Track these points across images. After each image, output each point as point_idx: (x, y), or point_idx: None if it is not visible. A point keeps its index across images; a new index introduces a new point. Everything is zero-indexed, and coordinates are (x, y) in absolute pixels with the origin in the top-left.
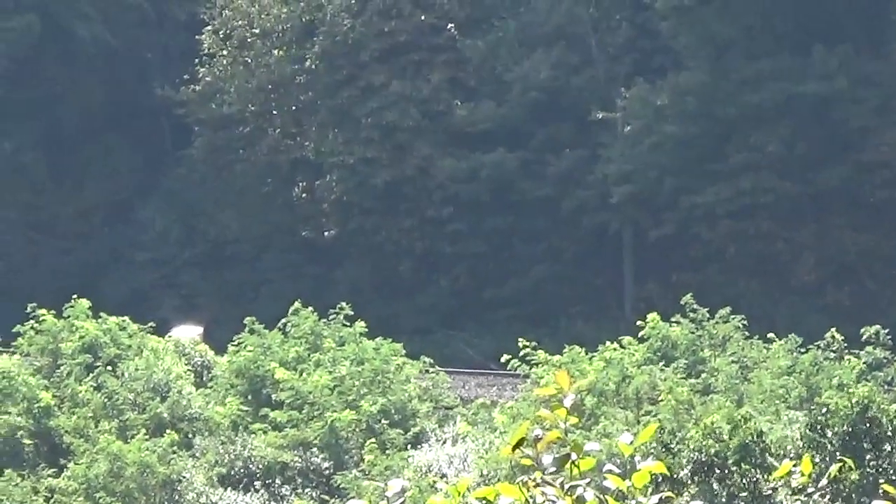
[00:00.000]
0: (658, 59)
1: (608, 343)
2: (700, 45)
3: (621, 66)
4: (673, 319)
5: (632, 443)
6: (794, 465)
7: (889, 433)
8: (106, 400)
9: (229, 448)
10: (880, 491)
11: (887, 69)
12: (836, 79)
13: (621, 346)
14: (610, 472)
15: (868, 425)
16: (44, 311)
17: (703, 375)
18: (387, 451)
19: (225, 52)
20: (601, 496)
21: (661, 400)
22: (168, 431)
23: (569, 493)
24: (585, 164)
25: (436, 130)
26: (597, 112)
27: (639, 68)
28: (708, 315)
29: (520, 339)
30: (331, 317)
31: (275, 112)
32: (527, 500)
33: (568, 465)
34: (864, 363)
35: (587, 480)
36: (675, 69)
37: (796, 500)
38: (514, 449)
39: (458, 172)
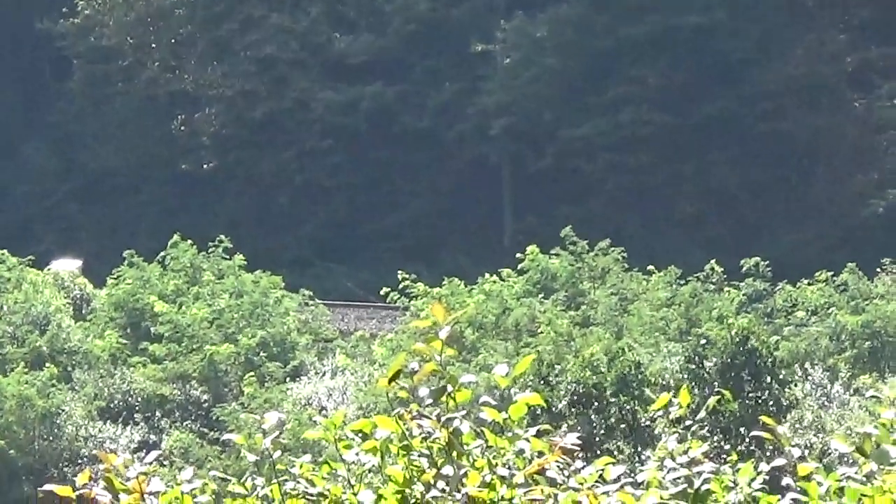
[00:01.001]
0: None
1: (488, 275)
2: None
3: None
4: (552, 252)
5: (508, 374)
6: (673, 397)
7: (768, 364)
8: None
9: (108, 381)
10: (759, 422)
11: (767, 1)
12: (716, 10)
13: (501, 279)
14: (486, 404)
15: (747, 357)
16: None
17: (583, 308)
18: (266, 384)
19: None
20: (477, 428)
21: (541, 332)
22: (47, 365)
23: (445, 426)
24: (465, 97)
25: (315, 63)
26: (476, 44)
27: (518, 1)
28: (587, 247)
29: (399, 272)
30: (210, 250)
31: (154, 45)
32: (403, 432)
33: (444, 398)
34: (743, 295)
35: (463, 412)
36: (554, 2)
37: (674, 431)
38: (390, 382)
39: (338, 105)
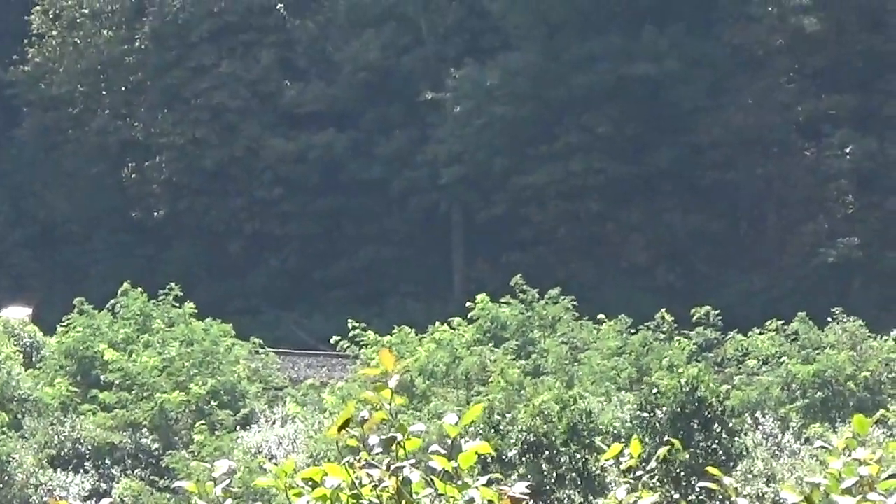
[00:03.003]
0: (488, 40)
1: (438, 324)
2: (530, 26)
3: (451, 47)
4: (503, 300)
5: (458, 423)
6: (624, 447)
7: (719, 413)
8: None
9: (59, 429)
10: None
11: (718, 50)
12: (667, 60)
13: (451, 327)
14: (436, 452)
15: (697, 406)
16: None
17: (533, 356)
18: (216, 432)
19: (55, 33)
20: (427, 477)
21: (491, 381)
22: None
23: (394, 474)
24: (415, 145)
25: (265, 111)
26: (426, 93)
27: (469, 49)
28: (538, 296)
29: (350, 320)
30: (160, 298)
31: (104, 93)
32: (353, 481)
33: (394, 446)
34: (694, 344)
35: (413, 461)
36: (505, 50)
37: (625, 481)
38: (340, 430)
39: (288, 153)
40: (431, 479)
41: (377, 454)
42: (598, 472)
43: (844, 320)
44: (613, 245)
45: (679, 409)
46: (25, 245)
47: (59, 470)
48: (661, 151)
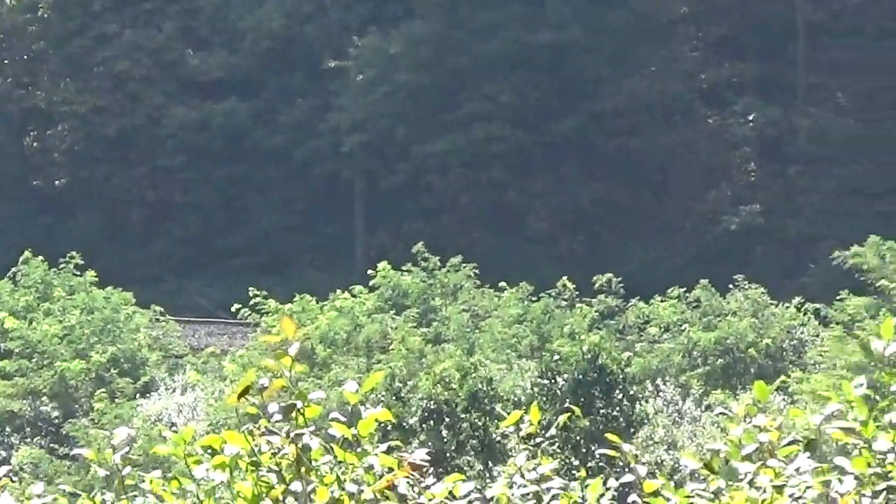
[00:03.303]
0: (391, 8)
1: (339, 292)
2: None
3: (354, 15)
4: (404, 268)
5: (358, 390)
6: (524, 414)
7: (619, 381)
8: None
9: None
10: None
11: (621, 18)
12: (570, 28)
13: (352, 295)
14: (336, 420)
15: (598, 373)
16: None
17: (435, 324)
18: (116, 400)
19: None
20: (327, 444)
21: (392, 348)
22: None
23: (294, 442)
24: (317, 113)
25: (168, 79)
26: (329, 61)
27: (372, 17)
28: (439, 264)
29: (251, 288)
30: (61, 266)
31: (6, 61)
32: (252, 448)
33: (294, 414)
34: (596, 311)
35: (313, 428)
36: (408, 18)
37: (525, 448)
38: (239, 398)
39: (190, 121)
40: (331, 447)
41: (277, 422)
42: (498, 438)
43: (746, 287)
44: (515, 213)
45: (580, 377)
46: None
47: None
48: (564, 119)
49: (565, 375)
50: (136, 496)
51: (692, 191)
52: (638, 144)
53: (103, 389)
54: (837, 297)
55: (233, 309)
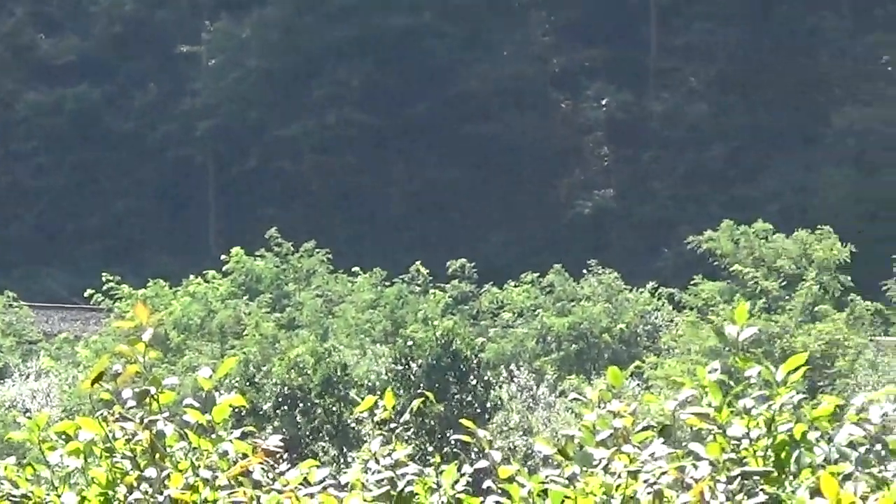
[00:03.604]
0: None
1: (192, 277)
2: None
3: (206, 0)
4: (257, 253)
5: (211, 376)
6: (378, 399)
7: (473, 366)
8: None
9: None
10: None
11: (473, 2)
12: (423, 11)
13: (206, 280)
14: (190, 406)
15: (452, 358)
16: None
17: (288, 309)
18: None
19: None
20: (181, 430)
21: (246, 334)
22: None
23: (148, 428)
24: (170, 98)
25: (20, 64)
26: (181, 45)
27: (223, 2)
28: (292, 249)
29: (104, 273)
30: None
31: None
32: (106, 434)
33: (148, 400)
34: (449, 296)
35: (167, 414)
36: (259, 3)
37: (379, 433)
38: (93, 384)
39: (42, 106)
40: (185, 433)
41: (131, 408)
42: (352, 424)
43: (600, 272)
44: (368, 198)
45: (433, 362)
46: None
47: None
48: (416, 104)
49: (419, 361)
50: None
51: (545, 175)
52: (491, 129)
53: None
54: (691, 282)
55: (86, 294)
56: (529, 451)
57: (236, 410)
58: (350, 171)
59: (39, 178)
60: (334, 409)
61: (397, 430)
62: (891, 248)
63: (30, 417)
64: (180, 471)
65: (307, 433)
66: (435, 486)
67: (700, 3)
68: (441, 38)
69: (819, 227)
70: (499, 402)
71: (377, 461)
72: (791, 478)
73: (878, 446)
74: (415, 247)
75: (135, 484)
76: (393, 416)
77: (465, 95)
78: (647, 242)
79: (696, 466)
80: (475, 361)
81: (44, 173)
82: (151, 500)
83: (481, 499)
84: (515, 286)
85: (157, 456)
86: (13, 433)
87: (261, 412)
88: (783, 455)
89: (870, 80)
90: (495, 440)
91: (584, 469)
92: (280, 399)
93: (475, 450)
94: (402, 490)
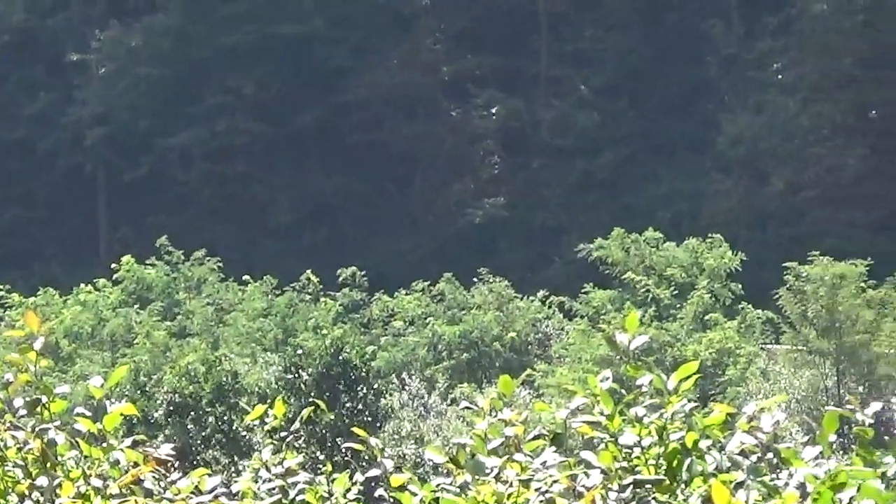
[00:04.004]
0: (132, 1)
1: (83, 285)
2: None
3: (96, 9)
4: (148, 262)
5: (103, 385)
6: (268, 408)
7: (363, 374)
8: None
9: None
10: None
11: (363, 10)
12: (313, 19)
13: (96, 289)
14: (81, 414)
15: (342, 367)
16: None
17: (179, 318)
18: None
19: None
20: (72, 439)
21: (137, 342)
22: None
23: (39, 436)
24: (60, 107)
25: None
26: (71, 54)
27: (113, 10)
28: (183, 257)
29: None
30: None
31: None
32: None
33: (39, 409)
34: (340, 305)
35: (58, 423)
36: (149, 11)
37: (270, 442)
38: None
39: None
40: (77, 442)
41: (22, 416)
42: (243, 432)
43: (491, 281)
44: (259, 206)
45: (324, 371)
46: None
47: None
48: (306, 112)
49: (309, 369)
50: None
51: (436, 183)
52: (381, 137)
53: None
54: (582, 290)
55: None
56: (421, 460)
57: (127, 419)
58: (240, 179)
59: None
60: (225, 417)
61: (288, 439)
62: (781, 255)
63: None
64: (72, 480)
65: (198, 441)
66: (326, 495)
67: (590, 10)
68: (331, 46)
69: (710, 235)
70: (390, 411)
71: (268, 470)
72: (683, 486)
73: (770, 455)
74: (305, 255)
75: (26, 493)
76: (284, 425)
77: (356, 103)
78: (537, 251)
79: (587, 475)
80: (365, 370)
81: None
82: None
83: None
84: (406, 294)
85: (49, 465)
86: None
87: (152, 421)
88: (675, 463)
89: (760, 87)
90: (387, 448)
91: (476, 477)
92: (171, 407)
93: (366, 458)
94: (294, 499)
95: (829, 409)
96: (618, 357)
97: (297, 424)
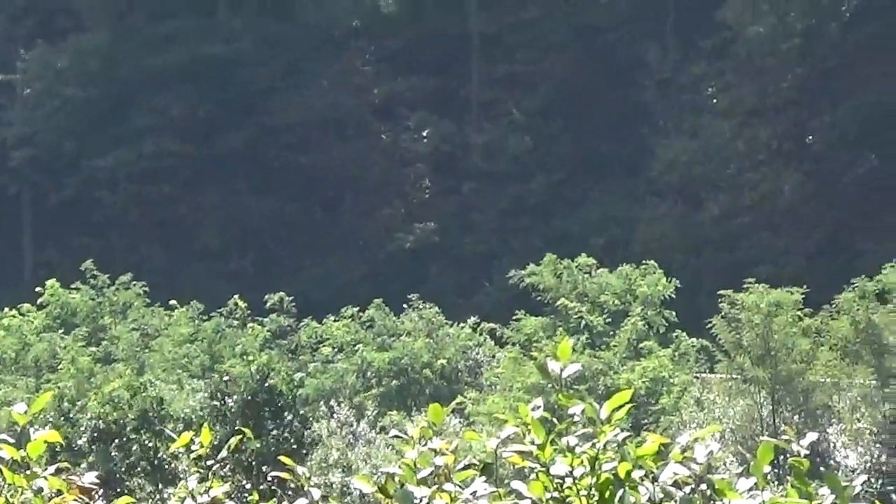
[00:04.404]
0: (60, 20)
1: (7, 310)
2: (102, 6)
3: (21, 28)
4: (73, 286)
5: (26, 411)
6: (194, 435)
7: (289, 402)
8: None
9: None
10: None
11: (292, 31)
12: (242, 40)
13: (21, 313)
14: (3, 441)
15: (269, 394)
16: None
17: (104, 343)
18: None
19: None
20: None
21: (62, 368)
22: None
23: None
24: None
25: None
26: None
27: (39, 30)
28: (109, 281)
29: None
30: None
31: None
32: None
33: None
34: (268, 331)
35: None
36: (77, 30)
37: (196, 470)
38: None
39: None
40: None
41: None
42: (169, 460)
43: (421, 307)
44: (186, 229)
45: (249, 398)
46: None
47: None
48: (234, 133)
49: (235, 396)
50: None
51: (365, 207)
52: (310, 159)
53: None
54: (514, 317)
55: None
56: (348, 489)
57: (51, 446)
58: (167, 201)
59: None
60: (150, 444)
61: (214, 467)
62: (716, 282)
63: None
64: None
65: (123, 469)
66: None
67: (522, 32)
68: (260, 68)
69: (644, 261)
70: (317, 439)
71: (194, 498)
72: None
73: (703, 486)
74: (233, 279)
75: None
76: (210, 453)
77: (285, 125)
78: (468, 276)
79: None
80: (292, 397)
81: None
82: None
83: None
84: (335, 320)
85: None
86: None
87: (76, 448)
88: (607, 494)
89: (695, 111)
90: (314, 477)
91: None
92: (95, 434)
93: (293, 487)
94: None
95: (764, 440)
96: (550, 385)
97: (224, 452)
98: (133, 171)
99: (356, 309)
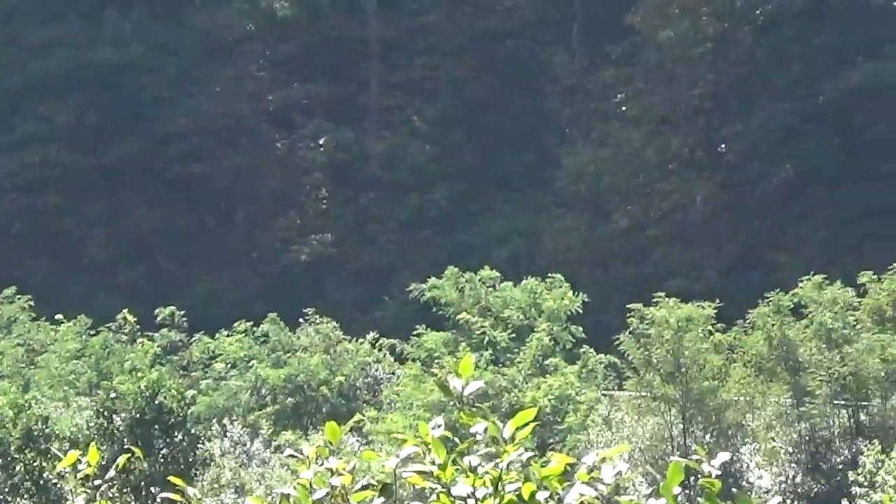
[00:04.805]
0: None
1: None
2: None
3: None
4: None
5: None
6: (81, 454)
7: (180, 420)
8: None
9: None
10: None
11: (183, 36)
12: (130, 45)
13: None
14: None
15: (158, 411)
16: None
17: None
18: None
19: None
20: None
21: None
22: None
23: None
24: None
25: None
26: None
27: None
28: None
29: None
30: None
31: None
32: None
33: None
34: (158, 346)
35: None
36: None
37: (83, 491)
38: None
39: None
40: None
41: None
42: (55, 480)
43: (318, 322)
44: (73, 241)
45: (138, 415)
46: None
47: None
48: (123, 142)
49: (123, 414)
50: None
51: (259, 218)
52: (201, 169)
53: None
54: (414, 332)
55: None
56: None
57: None
58: (53, 212)
59: None
60: (35, 464)
61: (102, 487)
62: (625, 297)
63: None
64: None
65: (6, 490)
66: None
67: (422, 36)
68: (150, 74)
69: (549, 274)
70: (209, 458)
71: None
72: None
73: None
74: (122, 293)
75: None
76: (97, 472)
77: (176, 134)
78: (367, 290)
79: None
80: (182, 415)
81: None
82: None
83: None
84: (228, 335)
85: None
86: None
87: None
88: None
89: (603, 119)
90: (205, 498)
91: None
92: None
93: None
94: None
95: (674, 459)
96: (451, 403)
97: (111, 472)
98: (17, 181)
99: (250, 324)
